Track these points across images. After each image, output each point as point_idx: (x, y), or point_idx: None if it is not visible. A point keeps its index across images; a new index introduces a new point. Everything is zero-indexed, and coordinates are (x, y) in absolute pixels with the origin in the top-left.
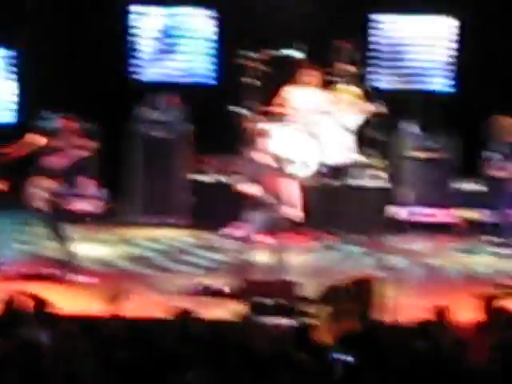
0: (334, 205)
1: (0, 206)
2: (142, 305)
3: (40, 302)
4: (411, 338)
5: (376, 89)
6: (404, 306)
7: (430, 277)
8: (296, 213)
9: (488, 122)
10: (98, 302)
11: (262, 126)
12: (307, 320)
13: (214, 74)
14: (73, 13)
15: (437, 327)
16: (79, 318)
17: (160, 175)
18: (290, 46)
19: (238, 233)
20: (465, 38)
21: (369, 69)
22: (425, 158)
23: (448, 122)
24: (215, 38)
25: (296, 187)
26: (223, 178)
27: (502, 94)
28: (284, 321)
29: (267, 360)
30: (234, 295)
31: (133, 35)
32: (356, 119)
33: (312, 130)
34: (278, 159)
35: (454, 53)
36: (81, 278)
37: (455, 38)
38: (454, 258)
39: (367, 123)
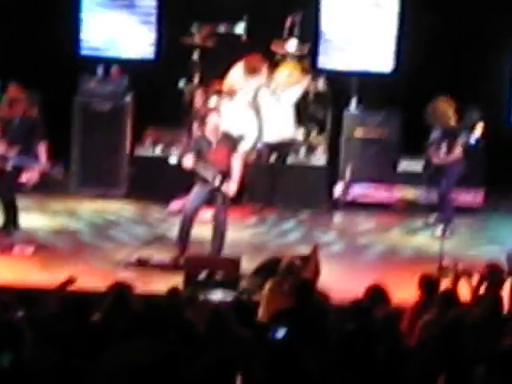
0: (273, 180)
1: None
2: (80, 277)
3: None
4: (344, 316)
5: (318, 67)
6: (338, 283)
7: (366, 255)
8: (231, 188)
9: (428, 105)
10: (34, 273)
11: (210, 101)
12: (246, 295)
13: (154, 48)
14: None
15: (370, 305)
16: (15, 289)
17: (99, 147)
18: (234, 22)
19: (178, 206)
20: (407, 20)
21: (312, 47)
22: (365, 136)
23: (389, 102)
24: (157, 11)
25: (239, 163)
26: (163, 151)
27: (443, 75)
28: (223, 295)
29: (204, 335)
30: (172, 268)
31: (80, 7)
32: (295, 93)
33: (254, 105)
34: (225, 135)
35: (396, 33)
36: (18, 248)
37: (397, 19)
38: (392, 236)
39: (308, 101)
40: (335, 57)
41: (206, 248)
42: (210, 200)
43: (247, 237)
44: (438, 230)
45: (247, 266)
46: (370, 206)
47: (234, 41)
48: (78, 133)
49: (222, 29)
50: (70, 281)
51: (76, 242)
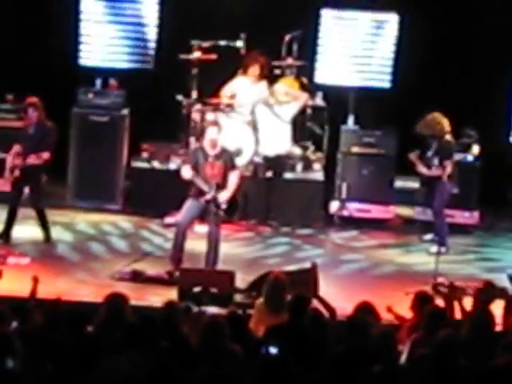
0: (268, 196)
1: None
2: (75, 289)
3: None
4: (337, 332)
5: (315, 83)
6: (334, 301)
7: (362, 272)
8: (223, 196)
9: (420, 120)
10: (29, 284)
11: (210, 115)
12: (240, 310)
13: (153, 62)
14: None
15: (363, 323)
16: (9, 300)
17: (96, 159)
18: (234, 37)
19: (174, 220)
20: (404, 36)
21: (310, 63)
22: (361, 153)
23: (385, 119)
24: (159, 24)
25: (236, 177)
26: (160, 165)
27: (439, 91)
28: (217, 310)
29: (199, 348)
30: (167, 282)
31: (79, 19)
32: (292, 109)
33: (252, 120)
34: (223, 150)
35: (394, 49)
36: (12, 260)
37: (395, 34)
38: (387, 254)
39: (305, 116)
40: (333, 73)
41: (200, 262)
42: (202, 214)
43: (242, 251)
44: (433, 247)
45: (242, 280)
46: (365, 222)
47: (233, 55)
48: (75, 144)
49: (221, 43)
50: (35, 282)
51: (71, 254)
